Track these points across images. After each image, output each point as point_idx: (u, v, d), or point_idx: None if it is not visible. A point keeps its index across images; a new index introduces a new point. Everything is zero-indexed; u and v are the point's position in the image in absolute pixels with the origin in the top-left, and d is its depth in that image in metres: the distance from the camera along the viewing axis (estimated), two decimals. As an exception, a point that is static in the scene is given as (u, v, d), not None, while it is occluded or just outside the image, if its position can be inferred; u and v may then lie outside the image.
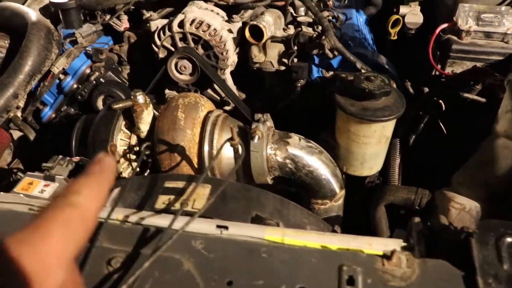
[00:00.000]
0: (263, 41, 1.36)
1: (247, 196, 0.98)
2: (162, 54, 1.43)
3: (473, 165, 1.16)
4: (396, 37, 1.67)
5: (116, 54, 1.58)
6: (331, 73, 1.41)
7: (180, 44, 1.39)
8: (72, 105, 1.60)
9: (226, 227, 0.75)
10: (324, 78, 1.39)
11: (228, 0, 1.46)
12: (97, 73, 1.50)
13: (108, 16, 1.59)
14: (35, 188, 1.06)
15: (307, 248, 0.71)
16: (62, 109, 1.59)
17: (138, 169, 1.17)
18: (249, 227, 0.78)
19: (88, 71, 1.52)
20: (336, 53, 1.32)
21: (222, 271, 0.70)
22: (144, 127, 1.20)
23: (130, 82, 1.60)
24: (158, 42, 1.41)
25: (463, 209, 1.12)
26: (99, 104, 1.53)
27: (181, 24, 1.37)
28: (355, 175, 1.28)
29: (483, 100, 1.30)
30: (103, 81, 1.52)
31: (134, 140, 1.24)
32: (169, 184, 1.02)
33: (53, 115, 1.60)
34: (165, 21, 1.45)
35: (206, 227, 0.77)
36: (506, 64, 1.35)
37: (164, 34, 1.40)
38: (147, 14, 1.47)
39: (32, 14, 1.49)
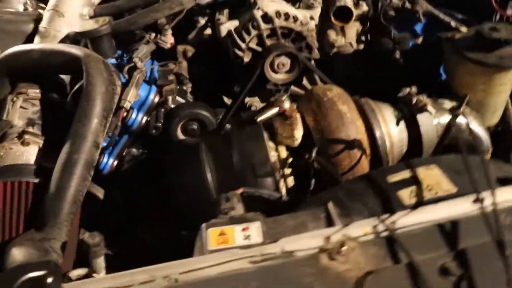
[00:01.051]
0: (351, 21, 1.32)
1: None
2: (247, 58, 1.30)
3: None
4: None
5: (175, 74, 1.38)
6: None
7: (268, 42, 1.28)
8: (134, 145, 1.36)
9: None
10: (424, 44, 1.40)
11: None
12: (170, 98, 1.30)
13: (153, 35, 1.38)
14: (234, 236, 0.88)
15: None
16: (124, 153, 1.35)
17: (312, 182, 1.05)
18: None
19: (156, 99, 1.30)
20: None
21: None
22: (300, 133, 1.08)
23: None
24: (243, 45, 1.27)
25: None
26: (179, 132, 1.33)
27: (268, 19, 1.26)
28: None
29: None
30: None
31: (284, 153, 1.11)
32: (394, 178, 0.94)
33: (115, 163, 1.34)
34: (235, 22, 1.31)
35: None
36: None
37: (248, 34, 1.26)
38: (216, 17, 1.32)
39: (75, 48, 1.23)
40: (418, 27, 1.43)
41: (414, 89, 1.15)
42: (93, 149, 1.10)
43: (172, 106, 1.30)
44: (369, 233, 0.84)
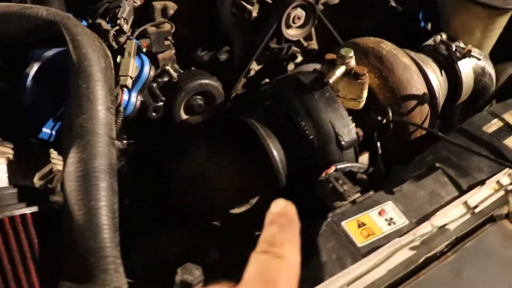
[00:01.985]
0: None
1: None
2: (256, 12, 1.08)
3: None
4: None
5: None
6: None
7: (278, -9, 1.08)
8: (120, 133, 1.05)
9: None
10: None
11: None
12: (170, 68, 1.01)
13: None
14: (377, 224, 0.75)
15: None
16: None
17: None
18: None
19: (152, 72, 1.00)
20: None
21: None
22: (366, 93, 0.95)
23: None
24: (253, -4, 1.05)
25: None
26: (182, 112, 1.06)
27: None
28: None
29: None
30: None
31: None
32: (490, 129, 0.91)
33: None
34: (235, -33, 1.08)
35: None
36: None
37: (259, -19, 1.05)
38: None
39: (40, 8, 0.85)
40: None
41: (444, 36, 1.12)
42: (112, 148, 0.80)
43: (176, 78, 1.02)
44: (504, 188, 0.79)
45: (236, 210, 1.05)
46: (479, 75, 1.16)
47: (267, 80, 1.23)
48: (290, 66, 1.26)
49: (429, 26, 1.45)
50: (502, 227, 0.70)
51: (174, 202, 1.06)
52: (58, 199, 0.88)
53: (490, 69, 1.19)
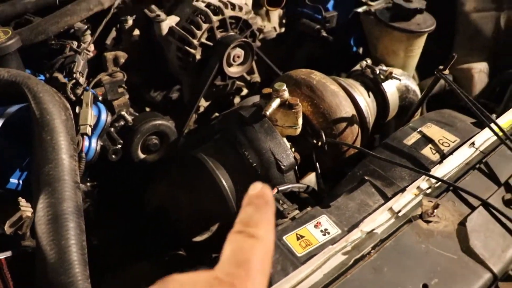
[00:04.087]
0: (283, 4, 1.38)
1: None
2: (199, 54, 1.22)
3: (464, 40, 1.63)
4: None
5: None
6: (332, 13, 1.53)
7: (219, 35, 1.23)
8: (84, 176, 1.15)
9: None
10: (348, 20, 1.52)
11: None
12: (125, 113, 1.13)
13: (75, 43, 1.15)
14: (313, 235, 0.88)
15: None
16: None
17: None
18: None
19: (109, 118, 1.11)
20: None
21: None
22: (301, 120, 1.09)
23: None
24: (195, 41, 1.19)
25: (480, 71, 1.60)
26: (140, 152, 1.18)
27: (217, 11, 1.21)
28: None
29: None
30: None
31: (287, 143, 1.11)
32: (409, 142, 1.06)
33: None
34: (175, 18, 1.22)
35: None
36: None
37: (199, 28, 1.19)
38: (151, 15, 1.19)
39: (2, 70, 0.96)
40: (330, 5, 1.56)
41: (369, 61, 1.29)
42: (77, 191, 0.91)
43: (131, 122, 1.14)
44: (423, 192, 0.94)
45: (198, 238, 1.16)
46: (404, 92, 1.33)
47: (216, 114, 1.37)
48: (236, 100, 1.40)
49: (360, 50, 1.64)
50: (416, 226, 0.85)
51: (140, 235, 1.17)
52: (28, 243, 0.98)
53: (413, 86, 1.36)
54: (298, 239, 0.86)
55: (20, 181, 1.04)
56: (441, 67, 1.08)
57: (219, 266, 0.38)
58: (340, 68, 1.55)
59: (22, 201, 1.00)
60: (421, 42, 1.44)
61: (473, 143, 1.04)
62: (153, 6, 1.24)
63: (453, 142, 1.05)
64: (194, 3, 1.21)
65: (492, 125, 1.03)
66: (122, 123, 1.14)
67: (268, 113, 1.02)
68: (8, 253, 0.84)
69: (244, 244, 0.39)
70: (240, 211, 0.42)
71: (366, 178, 0.99)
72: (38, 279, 0.81)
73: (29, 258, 0.85)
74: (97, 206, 1.16)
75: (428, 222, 0.85)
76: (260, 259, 0.38)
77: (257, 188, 0.43)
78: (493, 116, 1.15)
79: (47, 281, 0.79)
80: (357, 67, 1.31)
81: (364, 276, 0.76)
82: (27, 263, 0.85)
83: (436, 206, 0.85)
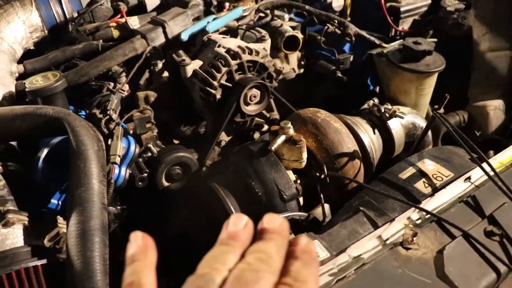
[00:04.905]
0: (299, 48, 1.52)
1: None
2: (219, 94, 1.38)
3: (480, 79, 1.70)
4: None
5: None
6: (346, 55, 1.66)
7: (237, 76, 1.39)
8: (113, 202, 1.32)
9: None
10: (360, 62, 1.65)
11: (234, 25, 1.52)
12: (151, 145, 1.30)
13: (111, 84, 1.35)
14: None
15: None
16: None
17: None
18: None
19: (137, 149, 1.29)
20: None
21: None
22: (305, 155, 1.21)
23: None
24: (215, 83, 1.36)
25: (495, 108, 1.66)
26: (164, 181, 1.34)
27: (235, 56, 1.37)
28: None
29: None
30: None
31: (293, 176, 1.23)
32: (404, 176, 1.15)
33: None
34: (199, 62, 1.39)
35: None
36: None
37: (218, 71, 1.35)
38: (178, 59, 1.37)
39: (47, 108, 1.16)
40: (347, 47, 1.69)
41: (376, 100, 1.40)
42: (104, 212, 1.07)
43: (156, 153, 1.30)
44: (412, 223, 1.03)
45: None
46: (411, 129, 1.42)
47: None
48: (256, 135, 1.54)
49: (377, 89, 1.74)
50: (395, 252, 0.94)
51: (163, 257, 1.31)
52: (63, 256, 1.14)
53: (421, 123, 1.45)
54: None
55: (59, 202, 1.22)
56: (436, 106, 1.17)
57: None
58: (358, 106, 1.66)
59: (60, 219, 1.17)
60: (431, 82, 1.54)
61: (469, 178, 1.12)
62: (180, 52, 1.42)
63: (446, 176, 1.14)
64: (216, 48, 1.38)
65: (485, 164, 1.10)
66: (149, 154, 1.30)
67: (273, 148, 1.15)
68: (44, 261, 1.01)
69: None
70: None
71: (361, 208, 1.09)
72: (67, 284, 0.97)
73: (61, 267, 1.01)
74: (125, 227, 1.33)
75: (407, 249, 0.94)
76: None
77: (275, 221, 0.44)
78: (491, 152, 1.23)
79: (73, 286, 0.94)
80: (365, 105, 1.42)
81: (340, 295, 0.86)
82: (59, 271, 1.00)
83: (414, 234, 0.94)
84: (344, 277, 0.90)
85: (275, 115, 1.56)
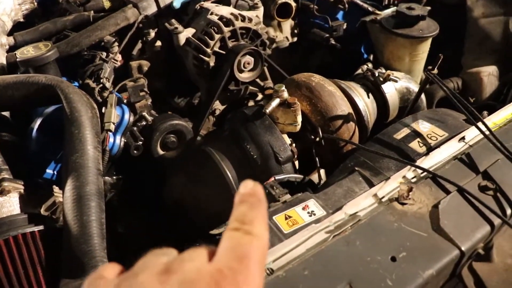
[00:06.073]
0: (292, 16, 1.51)
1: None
2: (212, 62, 1.37)
3: (473, 45, 1.70)
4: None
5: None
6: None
7: (230, 44, 1.37)
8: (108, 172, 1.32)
9: None
10: (354, 29, 1.64)
11: (226, -7, 1.50)
12: (146, 113, 1.30)
13: (104, 53, 1.34)
14: (300, 216, 0.99)
15: None
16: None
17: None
18: None
19: (131, 118, 1.28)
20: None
21: None
22: (300, 118, 1.21)
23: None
24: (208, 50, 1.34)
25: (489, 74, 1.66)
26: (159, 149, 1.33)
27: (226, 22, 1.36)
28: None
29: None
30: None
31: (288, 139, 1.23)
32: (399, 136, 1.16)
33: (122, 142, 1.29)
34: (192, 30, 1.38)
35: None
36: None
37: (211, 38, 1.34)
38: (170, 27, 1.35)
39: (39, 76, 1.15)
40: (340, 15, 1.68)
41: (370, 65, 1.39)
42: (99, 177, 1.06)
43: (150, 121, 1.30)
44: (407, 181, 1.03)
45: (215, 231, 1.28)
46: (405, 94, 1.42)
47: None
48: (250, 104, 1.54)
49: (371, 57, 1.74)
50: (391, 207, 0.94)
51: (160, 225, 1.32)
52: (60, 225, 1.15)
53: (415, 88, 1.44)
54: (286, 218, 0.97)
55: (55, 172, 1.22)
56: (430, 67, 1.17)
57: (219, 259, 0.39)
58: (351, 74, 1.66)
59: (56, 189, 1.17)
60: (425, 47, 1.53)
61: (463, 138, 1.12)
62: (172, 20, 1.41)
63: (441, 136, 1.14)
64: (208, 16, 1.37)
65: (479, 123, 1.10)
66: (143, 122, 1.30)
67: (268, 111, 1.15)
68: (41, 227, 1.01)
69: (242, 240, 0.40)
70: (234, 209, 0.43)
71: (356, 168, 1.10)
72: (64, 249, 0.97)
73: (58, 233, 1.01)
74: (121, 197, 1.33)
75: (403, 204, 0.95)
76: (258, 255, 0.40)
77: (248, 186, 0.45)
78: (485, 112, 1.24)
79: (70, 249, 0.94)
80: (359, 71, 1.41)
81: (337, 248, 0.87)
82: (56, 237, 1.01)
83: (410, 190, 0.94)
84: (341, 233, 0.91)
85: (269, 83, 1.55)
